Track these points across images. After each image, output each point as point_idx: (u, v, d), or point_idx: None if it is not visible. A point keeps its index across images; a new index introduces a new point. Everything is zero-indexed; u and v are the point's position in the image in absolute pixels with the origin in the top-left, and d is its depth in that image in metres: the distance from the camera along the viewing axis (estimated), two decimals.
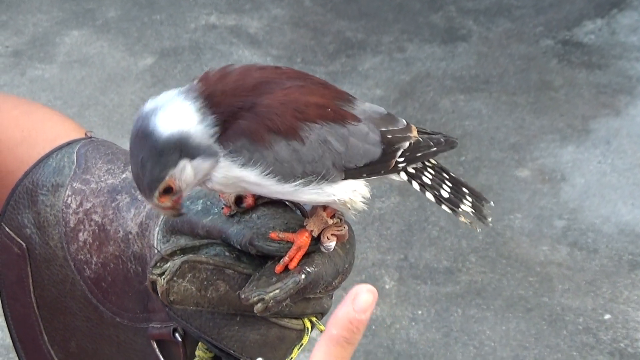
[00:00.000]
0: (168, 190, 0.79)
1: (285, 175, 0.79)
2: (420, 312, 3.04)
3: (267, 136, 0.78)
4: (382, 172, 0.83)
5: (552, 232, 3.36)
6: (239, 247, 0.84)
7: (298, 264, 0.82)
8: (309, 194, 0.80)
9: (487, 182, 3.60)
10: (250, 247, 0.83)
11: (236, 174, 0.79)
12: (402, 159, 0.84)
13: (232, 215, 0.86)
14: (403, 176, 0.86)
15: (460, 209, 0.86)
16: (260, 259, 0.85)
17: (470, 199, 0.87)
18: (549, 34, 4.61)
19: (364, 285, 0.72)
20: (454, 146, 0.88)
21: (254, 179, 0.79)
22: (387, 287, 3.14)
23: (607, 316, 3.00)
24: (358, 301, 0.71)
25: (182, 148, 0.77)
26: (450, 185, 0.87)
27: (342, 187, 0.81)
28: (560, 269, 3.19)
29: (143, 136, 0.76)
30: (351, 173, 0.81)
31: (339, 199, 0.81)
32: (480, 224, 0.86)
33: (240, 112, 0.78)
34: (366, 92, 4.21)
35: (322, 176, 0.80)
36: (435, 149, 0.86)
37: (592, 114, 3.97)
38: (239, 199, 0.86)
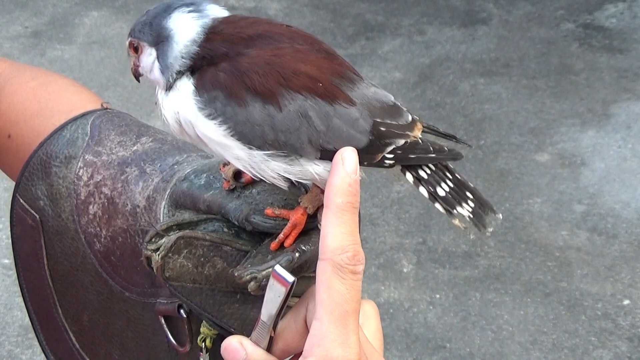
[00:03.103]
0: (136, 49, 0.83)
1: (254, 138, 0.76)
2: (438, 296, 3.03)
3: (243, 93, 0.76)
4: (365, 163, 0.78)
5: (572, 216, 3.34)
6: (237, 222, 0.83)
7: (294, 242, 0.80)
8: (278, 167, 0.77)
9: (506, 166, 3.59)
10: (246, 223, 0.81)
11: (200, 124, 0.78)
12: (391, 156, 0.78)
13: (232, 190, 0.85)
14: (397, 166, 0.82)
15: (455, 211, 0.80)
16: (260, 236, 0.83)
17: (472, 205, 0.81)
18: (569, 17, 4.59)
19: (344, 149, 0.72)
20: (457, 159, 0.82)
21: (217, 136, 0.77)
22: (405, 270, 3.14)
23: (626, 302, 2.99)
24: (348, 163, 0.72)
25: (160, 39, 0.80)
26: (451, 185, 0.82)
27: (316, 166, 0.77)
28: (579, 253, 3.18)
29: (164, 8, 0.81)
30: (329, 155, 0.76)
31: (311, 177, 0.78)
32: (475, 231, 0.82)
33: (223, 58, 0.77)
34: (385, 74, 4.20)
35: (295, 150, 0.76)
36: (433, 155, 0.80)
37: (613, 99, 3.95)
38: (237, 174, 0.85)
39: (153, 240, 0.84)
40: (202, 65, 0.78)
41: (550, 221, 3.32)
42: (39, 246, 1.02)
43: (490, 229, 0.81)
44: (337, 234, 0.71)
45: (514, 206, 3.39)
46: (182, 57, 0.78)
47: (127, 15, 4.77)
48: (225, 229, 0.84)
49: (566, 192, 3.45)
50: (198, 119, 0.78)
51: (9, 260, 3.19)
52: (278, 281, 0.74)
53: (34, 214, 1.01)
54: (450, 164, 0.83)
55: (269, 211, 0.80)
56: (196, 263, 0.83)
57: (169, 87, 0.80)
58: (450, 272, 3.12)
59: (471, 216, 0.80)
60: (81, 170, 0.98)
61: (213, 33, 0.78)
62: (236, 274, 0.79)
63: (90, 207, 0.96)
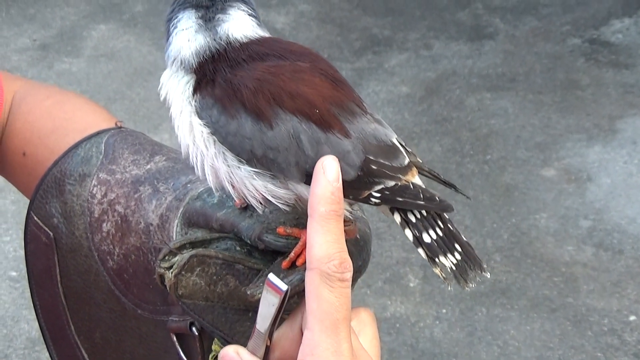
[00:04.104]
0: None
1: (243, 151, 0.76)
2: (444, 311, 3.03)
3: (233, 105, 0.76)
4: (350, 197, 0.77)
5: (578, 232, 3.34)
6: (249, 241, 0.83)
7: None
8: (262, 186, 0.77)
9: (512, 181, 3.59)
10: (258, 242, 0.82)
11: (189, 118, 0.79)
12: (378, 195, 0.78)
13: (244, 209, 0.85)
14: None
15: (438, 260, 0.78)
16: (272, 254, 0.83)
17: (458, 257, 0.80)
18: (576, 32, 4.59)
19: (325, 157, 0.72)
20: (447, 210, 0.80)
21: (201, 136, 0.78)
22: (411, 285, 3.14)
23: (632, 317, 2.98)
24: (329, 172, 0.72)
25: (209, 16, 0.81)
26: (439, 234, 0.80)
27: (301, 189, 0.77)
28: (586, 269, 3.17)
29: None
30: None
31: (294, 201, 0.78)
32: (454, 284, 0.79)
33: (223, 70, 0.78)
34: (392, 89, 4.21)
35: (281, 170, 0.76)
36: (422, 202, 0.79)
37: (619, 114, 3.95)
38: None
39: (166, 258, 0.85)
40: (205, 73, 0.79)
41: (556, 236, 3.32)
42: (53, 263, 1.02)
43: (472, 285, 0.80)
44: (323, 243, 0.72)
45: (520, 221, 3.39)
46: (191, 55, 0.80)
47: (135, 28, 4.78)
48: (238, 248, 0.85)
49: (572, 208, 3.45)
50: (187, 110, 0.79)
51: (16, 273, 3.19)
52: (272, 290, 0.75)
53: (48, 231, 1.02)
54: (447, 214, 0.82)
55: (280, 230, 0.80)
56: (209, 281, 0.84)
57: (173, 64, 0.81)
58: (456, 287, 3.11)
59: (454, 268, 0.79)
60: (95, 189, 0.99)
61: (228, 44, 0.79)
62: (248, 292, 0.80)
63: (104, 225, 0.97)
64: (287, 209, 0.79)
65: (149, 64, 4.46)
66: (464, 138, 3.85)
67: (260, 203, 0.78)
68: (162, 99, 0.82)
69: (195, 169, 0.80)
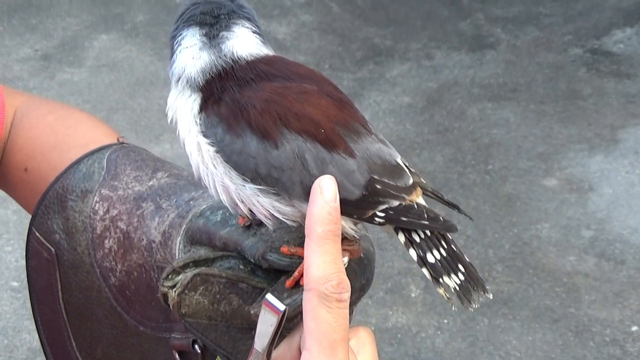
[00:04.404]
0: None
1: (247, 170, 0.76)
2: (446, 321, 3.03)
3: (239, 124, 0.76)
4: (354, 216, 0.77)
5: (580, 242, 3.34)
6: (252, 260, 0.83)
7: None
8: (268, 203, 0.77)
9: (514, 191, 3.59)
10: (262, 261, 0.81)
11: (195, 137, 0.78)
12: (382, 214, 0.77)
13: (248, 227, 0.85)
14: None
15: (442, 280, 0.78)
16: (275, 273, 0.83)
17: (461, 278, 0.80)
18: (577, 42, 4.60)
19: (322, 177, 0.72)
20: (451, 231, 0.80)
21: (208, 155, 0.78)
22: (413, 295, 3.13)
23: (634, 328, 2.98)
24: (326, 192, 0.71)
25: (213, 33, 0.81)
26: (443, 254, 0.80)
27: (305, 208, 0.76)
28: (588, 279, 3.17)
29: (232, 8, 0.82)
30: None
31: (301, 218, 0.78)
32: (458, 304, 0.78)
33: (231, 88, 0.78)
34: (394, 99, 4.21)
35: (286, 189, 0.76)
36: (426, 222, 0.78)
37: (621, 124, 3.95)
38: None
39: (170, 277, 0.84)
40: (212, 91, 0.79)
41: (558, 246, 3.32)
42: (54, 279, 1.02)
43: (475, 305, 0.80)
44: (320, 264, 0.71)
45: (522, 231, 3.39)
46: (198, 71, 0.80)
47: (136, 38, 4.79)
48: (241, 266, 0.84)
49: (574, 218, 3.45)
50: (194, 129, 0.79)
51: (17, 283, 3.19)
52: (270, 310, 0.75)
53: (50, 247, 1.02)
54: (451, 235, 0.82)
55: (284, 249, 0.80)
56: (212, 300, 0.83)
57: (178, 83, 0.81)
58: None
59: (457, 288, 0.79)
60: (97, 205, 0.99)
61: (235, 62, 0.80)
62: (252, 312, 0.79)
63: (106, 241, 0.97)
64: (294, 225, 0.79)
65: (151, 74, 4.46)
66: (466, 148, 3.85)
67: (269, 219, 0.78)
68: (169, 120, 0.82)
69: (208, 187, 0.80)
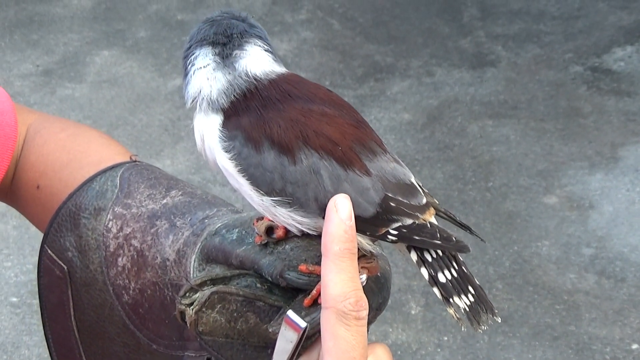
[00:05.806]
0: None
1: (263, 183, 0.78)
2: (446, 339, 3.03)
3: (261, 139, 0.77)
4: (367, 233, 0.78)
5: (580, 260, 3.34)
6: (270, 278, 0.83)
7: None
8: (286, 215, 0.78)
9: (514, 209, 3.59)
10: (280, 279, 0.81)
11: (219, 154, 0.79)
12: (395, 232, 0.78)
13: (265, 245, 0.85)
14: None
15: (452, 300, 0.79)
16: (292, 292, 0.83)
17: (471, 299, 0.80)
18: (578, 60, 4.60)
19: (337, 196, 0.73)
20: (464, 251, 0.80)
21: (231, 170, 0.79)
22: (413, 312, 3.13)
23: (634, 346, 2.98)
24: (342, 210, 0.72)
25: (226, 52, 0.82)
26: (454, 275, 0.81)
27: (320, 223, 0.77)
28: (588, 297, 3.17)
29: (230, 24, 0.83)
30: None
31: (314, 230, 0.79)
32: (468, 325, 0.79)
33: (257, 109, 0.79)
34: (394, 116, 4.22)
35: (300, 204, 0.78)
36: (439, 242, 0.79)
37: (621, 142, 3.96)
38: (270, 229, 0.84)
39: (187, 295, 0.85)
40: (237, 111, 0.80)
41: (558, 264, 3.32)
42: (66, 297, 1.02)
43: (485, 327, 0.80)
44: (338, 282, 0.72)
45: (522, 249, 3.39)
46: (219, 92, 0.80)
47: (138, 54, 4.79)
48: (259, 285, 0.84)
49: (574, 235, 3.46)
50: (218, 147, 0.79)
51: (17, 299, 3.18)
52: (290, 327, 0.75)
53: (62, 265, 1.02)
54: (460, 257, 0.83)
55: (302, 267, 0.81)
56: (229, 318, 0.84)
57: (198, 106, 0.82)
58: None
59: (467, 310, 0.80)
60: (110, 223, 0.99)
61: (257, 81, 0.81)
62: (270, 330, 0.80)
63: (120, 259, 0.97)
64: (315, 233, 0.80)
65: (152, 90, 4.47)
66: (466, 165, 3.86)
67: (293, 228, 0.80)
68: (198, 146, 0.83)
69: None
